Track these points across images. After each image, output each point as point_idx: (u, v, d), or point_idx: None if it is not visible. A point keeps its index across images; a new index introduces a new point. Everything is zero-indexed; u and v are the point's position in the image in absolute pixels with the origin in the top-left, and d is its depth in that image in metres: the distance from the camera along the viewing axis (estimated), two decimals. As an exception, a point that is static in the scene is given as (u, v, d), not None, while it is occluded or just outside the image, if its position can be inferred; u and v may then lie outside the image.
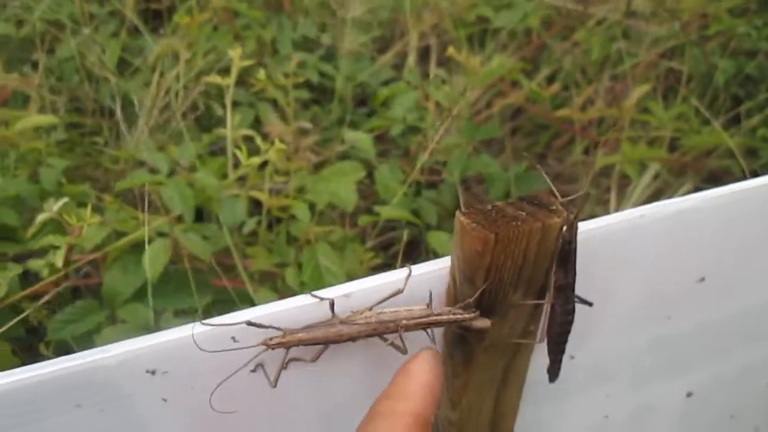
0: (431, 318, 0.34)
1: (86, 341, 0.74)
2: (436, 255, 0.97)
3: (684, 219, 0.40)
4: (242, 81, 1.04)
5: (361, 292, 0.34)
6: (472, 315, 0.34)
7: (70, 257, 0.70)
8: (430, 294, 0.35)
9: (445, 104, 1.01)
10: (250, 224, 0.80)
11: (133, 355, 0.31)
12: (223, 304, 0.75)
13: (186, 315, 0.74)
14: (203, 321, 0.33)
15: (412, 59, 1.37)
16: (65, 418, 0.31)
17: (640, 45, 1.28)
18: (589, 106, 1.17)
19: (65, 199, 0.65)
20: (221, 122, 1.09)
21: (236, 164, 0.86)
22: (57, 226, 0.68)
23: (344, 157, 1.07)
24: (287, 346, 0.33)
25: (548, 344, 0.38)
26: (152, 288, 0.71)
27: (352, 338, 0.34)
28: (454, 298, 0.35)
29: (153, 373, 0.32)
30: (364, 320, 0.34)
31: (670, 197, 1.09)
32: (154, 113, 1.01)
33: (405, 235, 0.78)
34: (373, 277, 0.34)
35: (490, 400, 0.40)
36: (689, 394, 0.53)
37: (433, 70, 1.31)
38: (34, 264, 0.64)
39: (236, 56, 0.88)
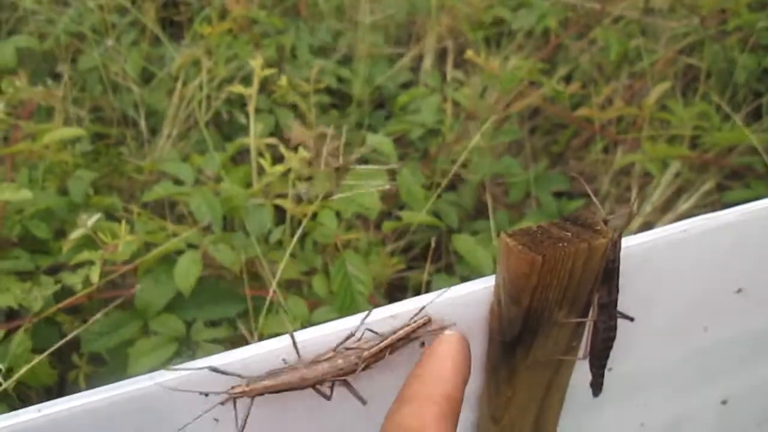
0: (390, 338, 0.34)
1: (119, 352, 0.76)
2: (459, 258, 0.97)
3: (725, 233, 0.40)
4: (262, 87, 1.05)
5: (407, 314, 0.34)
6: (426, 319, 0.34)
7: (103, 270, 0.71)
8: (373, 331, 0.34)
9: (467, 106, 1.01)
10: (276, 233, 0.81)
11: (190, 378, 0.32)
12: (254, 312, 0.76)
13: (216, 325, 0.75)
14: (167, 368, 0.32)
15: (428, 61, 1.37)
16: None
17: (658, 42, 1.28)
18: (607, 104, 1.16)
19: (98, 215, 0.66)
20: (242, 129, 1.10)
21: (259, 172, 0.87)
22: (90, 240, 0.69)
23: (365, 161, 1.07)
24: (251, 395, 0.32)
25: (591, 360, 0.38)
26: (184, 299, 0.73)
27: (319, 382, 0.33)
28: (498, 318, 0.35)
29: (206, 395, 0.33)
30: (329, 362, 0.33)
31: (691, 195, 1.09)
32: (176, 122, 1.02)
33: (433, 241, 0.78)
34: (415, 299, 0.35)
35: (532, 413, 0.40)
36: (724, 402, 0.53)
37: (450, 71, 1.31)
38: (70, 278, 0.65)
39: (257, 65, 0.89)
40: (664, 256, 0.39)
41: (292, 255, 0.85)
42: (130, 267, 0.74)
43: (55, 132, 0.81)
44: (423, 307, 0.35)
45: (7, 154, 0.84)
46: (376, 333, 0.34)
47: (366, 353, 0.33)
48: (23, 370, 0.60)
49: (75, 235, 0.65)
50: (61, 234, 0.82)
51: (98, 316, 0.64)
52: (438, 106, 1.05)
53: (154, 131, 1.05)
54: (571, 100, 1.20)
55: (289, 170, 0.85)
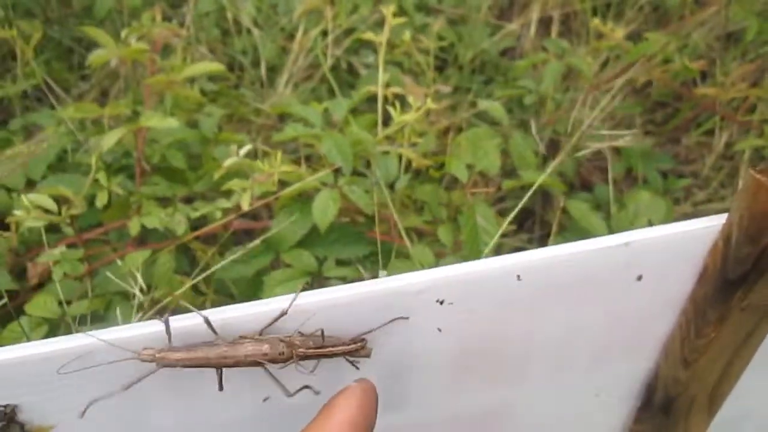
0: (326, 349, 0.32)
1: (243, 283, 0.79)
2: (574, 224, 0.97)
3: None
4: (371, 44, 1.06)
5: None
6: (359, 345, 0.33)
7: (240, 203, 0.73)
8: (322, 331, 0.32)
9: (587, 75, 1.00)
10: (403, 181, 0.82)
11: (430, 284, 0.33)
12: (379, 256, 0.77)
13: (344, 264, 0.77)
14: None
15: (533, 29, 1.36)
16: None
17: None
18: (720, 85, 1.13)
19: (249, 146, 0.68)
20: (350, 85, 1.11)
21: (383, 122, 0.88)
22: (237, 170, 0.71)
23: (471, 124, 1.08)
24: (161, 363, 0.30)
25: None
26: (316, 237, 0.75)
27: (238, 363, 0.31)
28: (723, 256, 0.35)
29: (441, 303, 0.34)
30: (253, 344, 0.31)
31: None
32: (294, 71, 1.04)
33: (561, 199, 0.78)
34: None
35: (724, 361, 0.40)
36: None
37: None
38: (219, 204, 0.68)
39: (389, 13, 0.89)
40: None
41: (410, 205, 0.86)
42: (264, 202, 0.76)
43: (194, 66, 0.83)
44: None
45: (146, 85, 0.87)
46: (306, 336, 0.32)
47: (301, 350, 0.31)
48: (177, 292, 0.63)
49: (228, 162, 0.67)
50: (192, 167, 0.85)
51: (250, 245, 0.66)
52: (557, 74, 1.04)
53: (271, 78, 1.07)
54: (682, 76, 1.17)
55: (406, 124, 0.86)
